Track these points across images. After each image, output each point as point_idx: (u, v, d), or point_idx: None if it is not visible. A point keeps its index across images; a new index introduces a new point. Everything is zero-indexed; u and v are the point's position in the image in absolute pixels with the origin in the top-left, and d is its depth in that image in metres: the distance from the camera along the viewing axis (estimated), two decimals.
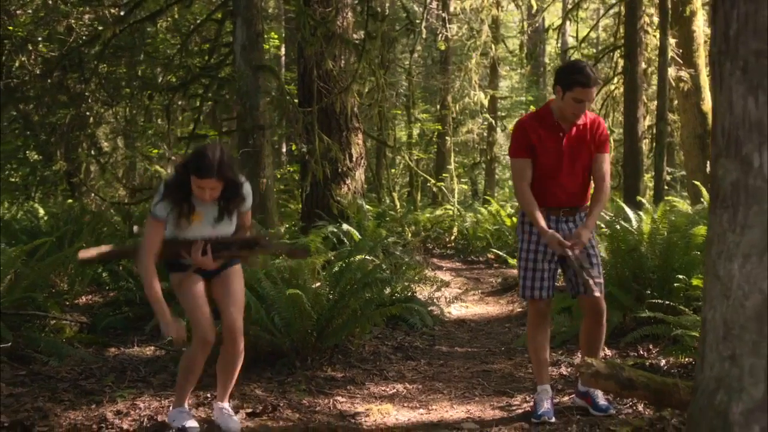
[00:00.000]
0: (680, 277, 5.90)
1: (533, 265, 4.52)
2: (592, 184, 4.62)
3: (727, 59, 2.43)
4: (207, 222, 4.18)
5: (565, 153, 4.41)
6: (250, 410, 4.61)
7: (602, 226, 6.88)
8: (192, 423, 4.20)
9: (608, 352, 5.81)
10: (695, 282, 5.72)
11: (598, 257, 4.50)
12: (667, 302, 5.57)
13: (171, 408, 4.37)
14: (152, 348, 6.12)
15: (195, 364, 4.25)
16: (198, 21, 12.01)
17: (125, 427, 4.31)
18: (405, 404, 4.93)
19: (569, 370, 5.49)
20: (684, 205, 10.80)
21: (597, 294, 4.39)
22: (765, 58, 2.33)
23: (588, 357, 4.38)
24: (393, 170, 22.13)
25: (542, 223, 4.37)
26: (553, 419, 4.44)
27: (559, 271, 4.61)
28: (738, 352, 2.40)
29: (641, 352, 5.80)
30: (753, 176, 2.36)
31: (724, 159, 2.44)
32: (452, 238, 14.13)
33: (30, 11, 12.80)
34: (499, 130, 21.49)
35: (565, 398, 4.87)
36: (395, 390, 5.25)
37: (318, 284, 6.03)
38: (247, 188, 4.22)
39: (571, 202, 4.48)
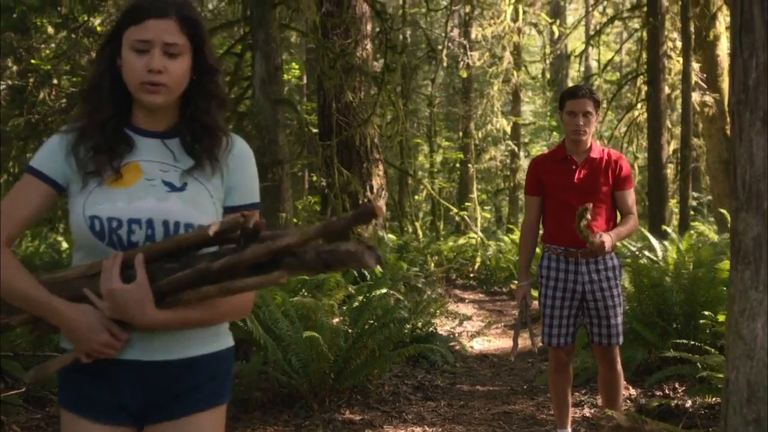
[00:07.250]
0: (706, 313, 5.76)
1: (551, 311, 4.40)
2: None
3: (747, 110, 2.33)
4: (152, 180, 1.96)
5: (577, 186, 4.29)
6: None
7: (627, 259, 6.72)
8: None
9: (632, 390, 5.67)
10: (721, 318, 5.57)
11: (618, 306, 4.35)
12: (692, 342, 5.44)
13: None
14: None
15: None
16: (218, 55, 12.04)
17: None
18: None
19: (592, 411, 5.36)
20: (710, 233, 10.66)
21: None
22: None
23: (607, 406, 4.27)
24: (417, 197, 22.07)
25: (523, 271, 4.55)
26: None
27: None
28: (763, 415, 2.29)
29: (666, 392, 5.65)
30: None
31: (745, 213, 2.34)
32: (475, 267, 13.95)
33: (53, 45, 12.88)
34: (522, 156, 21.35)
35: None
36: None
37: (336, 320, 5.94)
38: (243, 148, 2.18)
39: None
